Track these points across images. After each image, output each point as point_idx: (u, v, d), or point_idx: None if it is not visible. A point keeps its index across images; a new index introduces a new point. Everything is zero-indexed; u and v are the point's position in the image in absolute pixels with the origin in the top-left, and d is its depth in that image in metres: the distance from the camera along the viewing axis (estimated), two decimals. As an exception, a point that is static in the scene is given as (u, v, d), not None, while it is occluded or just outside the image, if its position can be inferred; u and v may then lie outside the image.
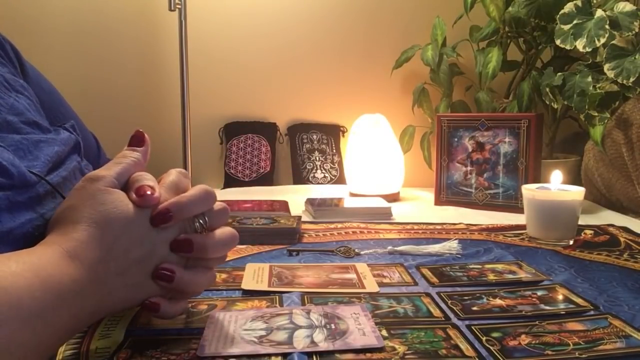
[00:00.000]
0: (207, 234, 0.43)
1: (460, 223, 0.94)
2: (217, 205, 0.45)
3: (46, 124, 0.55)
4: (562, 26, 1.12)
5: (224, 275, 0.62)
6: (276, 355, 0.41)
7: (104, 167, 0.43)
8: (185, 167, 1.46)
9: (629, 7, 1.06)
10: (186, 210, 0.42)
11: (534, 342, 0.45)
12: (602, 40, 1.06)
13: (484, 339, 0.46)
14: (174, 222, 0.41)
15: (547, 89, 1.17)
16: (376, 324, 0.47)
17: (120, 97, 1.60)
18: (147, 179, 0.42)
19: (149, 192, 0.41)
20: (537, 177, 1.07)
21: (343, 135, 1.63)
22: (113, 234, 0.38)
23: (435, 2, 1.57)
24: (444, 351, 0.43)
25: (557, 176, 0.82)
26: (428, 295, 0.56)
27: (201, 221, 0.43)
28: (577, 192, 0.79)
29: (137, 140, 0.46)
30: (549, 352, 0.43)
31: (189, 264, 0.43)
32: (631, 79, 1.01)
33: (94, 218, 0.38)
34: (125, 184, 0.42)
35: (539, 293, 0.57)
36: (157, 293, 0.42)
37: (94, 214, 0.38)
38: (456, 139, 1.15)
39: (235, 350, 0.42)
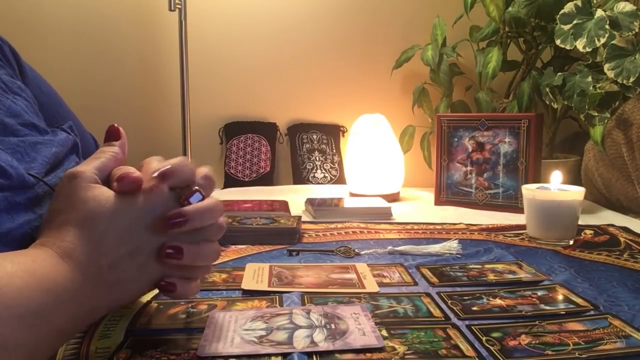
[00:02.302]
0: (188, 206, 0.42)
1: (460, 223, 0.94)
2: (200, 174, 0.45)
3: (44, 126, 0.55)
4: (562, 26, 1.12)
5: (224, 275, 0.62)
6: (276, 355, 0.41)
7: (83, 163, 0.42)
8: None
9: (629, 7, 1.06)
10: (168, 178, 0.41)
11: (534, 342, 0.45)
12: (602, 40, 1.06)
13: (484, 339, 0.46)
14: (167, 184, 0.41)
15: (547, 89, 1.17)
16: (376, 324, 0.47)
17: (120, 97, 1.60)
18: (127, 169, 0.42)
19: (131, 174, 0.40)
20: (537, 177, 1.07)
21: (343, 135, 1.63)
22: (99, 230, 0.38)
23: (435, 2, 1.57)
24: (444, 351, 0.43)
25: (556, 176, 0.82)
26: (428, 295, 0.56)
27: (193, 190, 0.42)
28: (577, 192, 0.78)
29: (112, 135, 0.46)
30: (549, 352, 0.43)
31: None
32: (631, 79, 1.01)
33: (77, 218, 0.38)
34: (107, 179, 0.42)
35: (539, 293, 0.57)
36: (155, 284, 0.42)
37: (76, 215, 0.39)
38: (456, 139, 1.15)
39: (235, 350, 0.42)
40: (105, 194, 0.40)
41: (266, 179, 1.56)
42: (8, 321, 0.31)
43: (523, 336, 0.46)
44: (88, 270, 0.37)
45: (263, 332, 0.45)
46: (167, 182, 0.41)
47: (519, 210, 1.01)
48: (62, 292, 0.35)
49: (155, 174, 0.41)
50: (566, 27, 1.12)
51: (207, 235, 0.44)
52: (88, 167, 0.41)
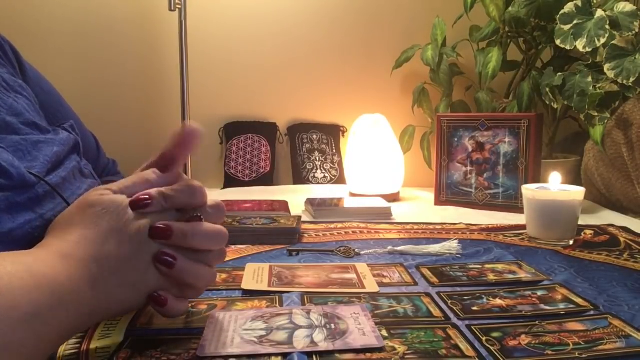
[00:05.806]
0: (190, 223, 0.43)
1: (460, 223, 0.94)
2: (211, 202, 0.45)
3: (45, 125, 0.55)
4: (562, 26, 1.12)
5: (224, 275, 0.62)
6: (276, 355, 0.41)
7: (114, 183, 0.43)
8: (185, 167, 1.46)
9: (629, 7, 1.06)
10: (167, 200, 0.42)
11: (534, 342, 0.45)
12: (602, 40, 1.06)
13: (484, 339, 0.46)
14: (153, 209, 0.41)
15: (547, 89, 1.17)
16: (376, 324, 0.47)
17: (121, 97, 1.60)
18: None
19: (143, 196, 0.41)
20: (537, 177, 1.07)
21: (343, 135, 1.63)
22: (103, 233, 0.39)
23: (435, 2, 1.57)
24: (444, 351, 0.43)
25: (555, 178, 0.82)
26: (428, 295, 0.56)
27: (194, 216, 0.43)
28: (577, 192, 0.78)
29: (164, 162, 0.45)
30: (549, 352, 0.43)
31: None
32: (631, 79, 1.01)
33: (84, 220, 0.39)
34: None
35: (539, 293, 0.57)
36: (155, 290, 0.42)
37: (84, 216, 0.39)
38: (456, 139, 1.15)
39: (235, 350, 0.42)
40: (114, 200, 0.40)
41: (266, 179, 1.56)
42: (9, 322, 0.31)
43: (523, 336, 0.46)
44: (89, 271, 0.37)
45: (263, 332, 0.45)
46: (160, 207, 0.42)
47: (519, 210, 1.01)
48: (62, 292, 0.35)
49: (151, 199, 0.41)
50: (566, 27, 1.12)
51: (205, 259, 0.44)
52: (116, 185, 0.42)
